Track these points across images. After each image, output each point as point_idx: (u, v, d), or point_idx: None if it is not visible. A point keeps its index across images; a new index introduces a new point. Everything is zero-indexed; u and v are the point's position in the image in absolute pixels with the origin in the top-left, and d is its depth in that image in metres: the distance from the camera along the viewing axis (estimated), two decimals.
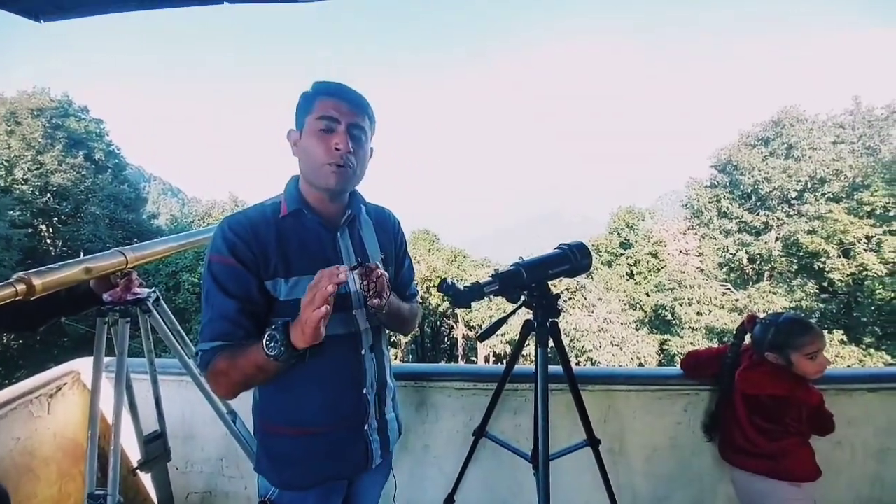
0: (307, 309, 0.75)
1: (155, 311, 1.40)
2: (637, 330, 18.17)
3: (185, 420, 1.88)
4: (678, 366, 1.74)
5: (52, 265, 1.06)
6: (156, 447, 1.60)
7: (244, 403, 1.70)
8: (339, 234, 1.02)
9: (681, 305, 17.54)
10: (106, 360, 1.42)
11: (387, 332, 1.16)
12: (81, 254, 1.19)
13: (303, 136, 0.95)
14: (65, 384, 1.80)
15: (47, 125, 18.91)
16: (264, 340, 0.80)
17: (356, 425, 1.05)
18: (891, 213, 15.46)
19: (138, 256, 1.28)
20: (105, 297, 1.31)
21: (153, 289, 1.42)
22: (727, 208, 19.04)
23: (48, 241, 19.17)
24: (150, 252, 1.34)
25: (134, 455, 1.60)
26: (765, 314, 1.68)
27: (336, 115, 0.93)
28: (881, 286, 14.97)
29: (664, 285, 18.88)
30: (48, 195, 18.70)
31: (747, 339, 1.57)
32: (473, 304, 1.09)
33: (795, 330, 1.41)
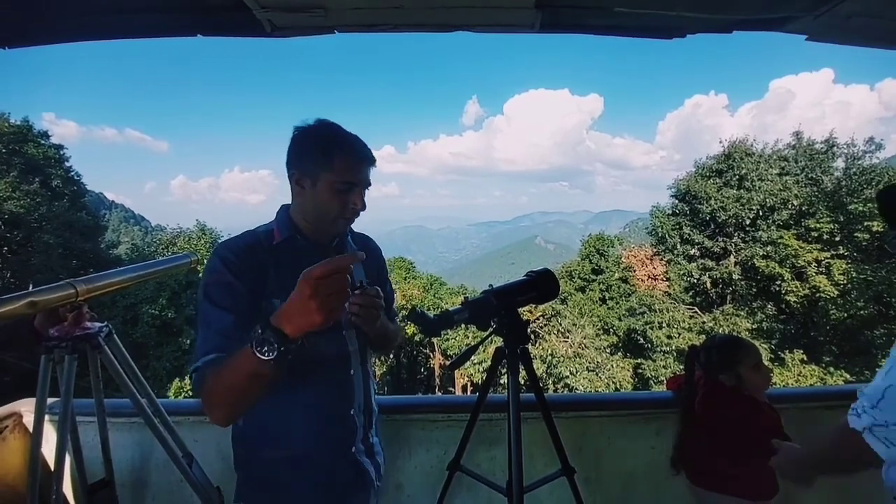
0: (325, 305, 0.70)
1: (106, 347, 1.30)
2: (612, 354, 18.37)
3: (135, 466, 1.73)
4: (648, 390, 1.77)
5: None
6: (102, 497, 1.46)
7: (202, 446, 1.61)
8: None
9: (651, 329, 17.94)
10: (51, 401, 1.31)
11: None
12: (30, 286, 1.12)
13: (317, 186, 0.99)
14: (5, 427, 1.67)
15: (3, 151, 18.00)
16: (255, 347, 0.73)
17: (344, 448, 1.06)
18: (836, 239, 16.69)
19: (91, 288, 1.20)
20: (51, 332, 1.22)
21: (105, 323, 1.33)
22: (689, 235, 19.97)
23: None
24: (104, 283, 1.26)
25: None
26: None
27: (355, 179, 0.99)
28: (834, 307, 15.91)
29: (635, 309, 19.32)
30: None
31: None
32: (449, 332, 1.11)
33: (736, 345, 1.52)
